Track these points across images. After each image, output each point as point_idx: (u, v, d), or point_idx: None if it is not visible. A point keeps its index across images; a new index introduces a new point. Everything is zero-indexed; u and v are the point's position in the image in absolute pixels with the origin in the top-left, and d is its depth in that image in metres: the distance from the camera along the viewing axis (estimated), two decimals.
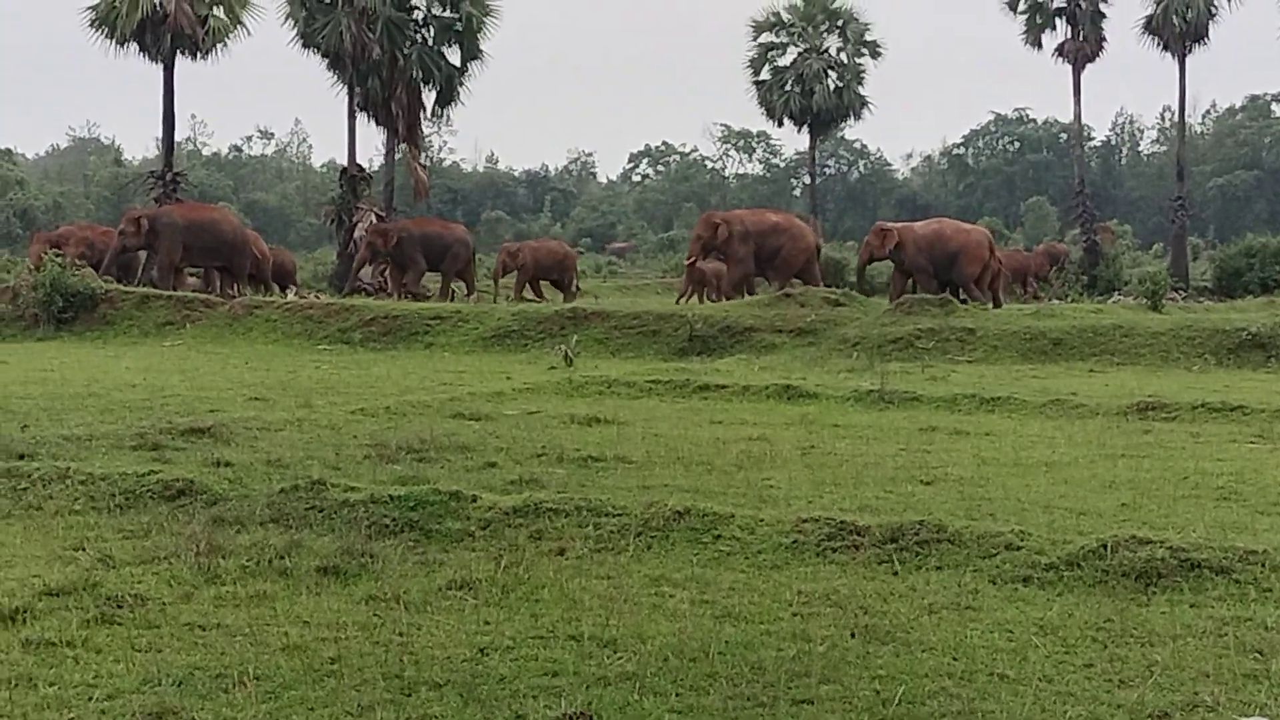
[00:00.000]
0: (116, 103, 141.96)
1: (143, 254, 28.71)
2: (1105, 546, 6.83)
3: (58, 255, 23.94)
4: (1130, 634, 5.86)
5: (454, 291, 30.38)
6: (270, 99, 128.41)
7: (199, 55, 32.98)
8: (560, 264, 33.02)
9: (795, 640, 5.80)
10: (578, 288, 32.98)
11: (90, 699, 5.04)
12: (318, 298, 27.14)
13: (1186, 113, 47.03)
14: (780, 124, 49.49)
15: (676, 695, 5.14)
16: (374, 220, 33.62)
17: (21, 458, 9.44)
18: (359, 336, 21.33)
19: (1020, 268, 39.86)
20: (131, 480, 8.52)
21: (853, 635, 5.85)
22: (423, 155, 37.79)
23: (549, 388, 14.97)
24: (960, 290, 26.32)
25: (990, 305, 25.12)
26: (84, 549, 7.30)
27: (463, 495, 8.01)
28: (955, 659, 5.57)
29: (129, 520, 7.96)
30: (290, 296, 27.76)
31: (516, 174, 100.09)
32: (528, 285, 32.34)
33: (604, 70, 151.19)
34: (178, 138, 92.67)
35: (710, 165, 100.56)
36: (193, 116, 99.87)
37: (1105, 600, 6.38)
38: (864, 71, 48.50)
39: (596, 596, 6.49)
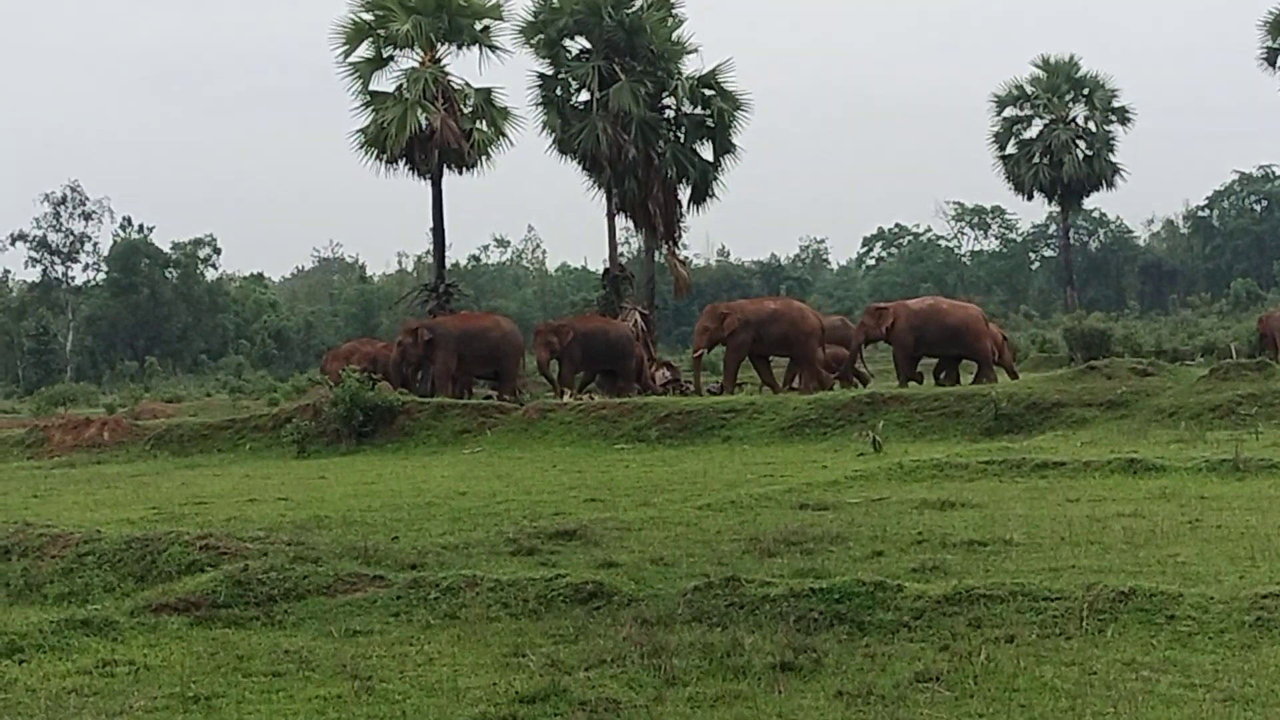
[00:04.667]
0: (358, 222, 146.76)
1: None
2: None
3: (355, 371, 24.49)
4: None
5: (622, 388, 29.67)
6: (503, 208, 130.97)
7: (464, 169, 33.77)
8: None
9: None
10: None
11: None
12: (591, 398, 27.30)
13: None
14: (1030, 197, 48.84)
15: None
16: (639, 320, 33.85)
17: (414, 568, 9.55)
18: (655, 434, 21.33)
19: None
20: (541, 585, 8.55)
21: None
22: (681, 251, 37.87)
23: (880, 475, 14.72)
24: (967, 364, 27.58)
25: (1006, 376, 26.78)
26: (524, 654, 7.31)
27: (888, 585, 7.87)
28: None
29: (549, 624, 7.98)
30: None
31: (749, 265, 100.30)
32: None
33: (831, 156, 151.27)
34: (417, 251, 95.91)
35: (945, 244, 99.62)
36: (430, 230, 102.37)
37: None
38: (1114, 139, 47.58)
39: (1074, 684, 6.28)
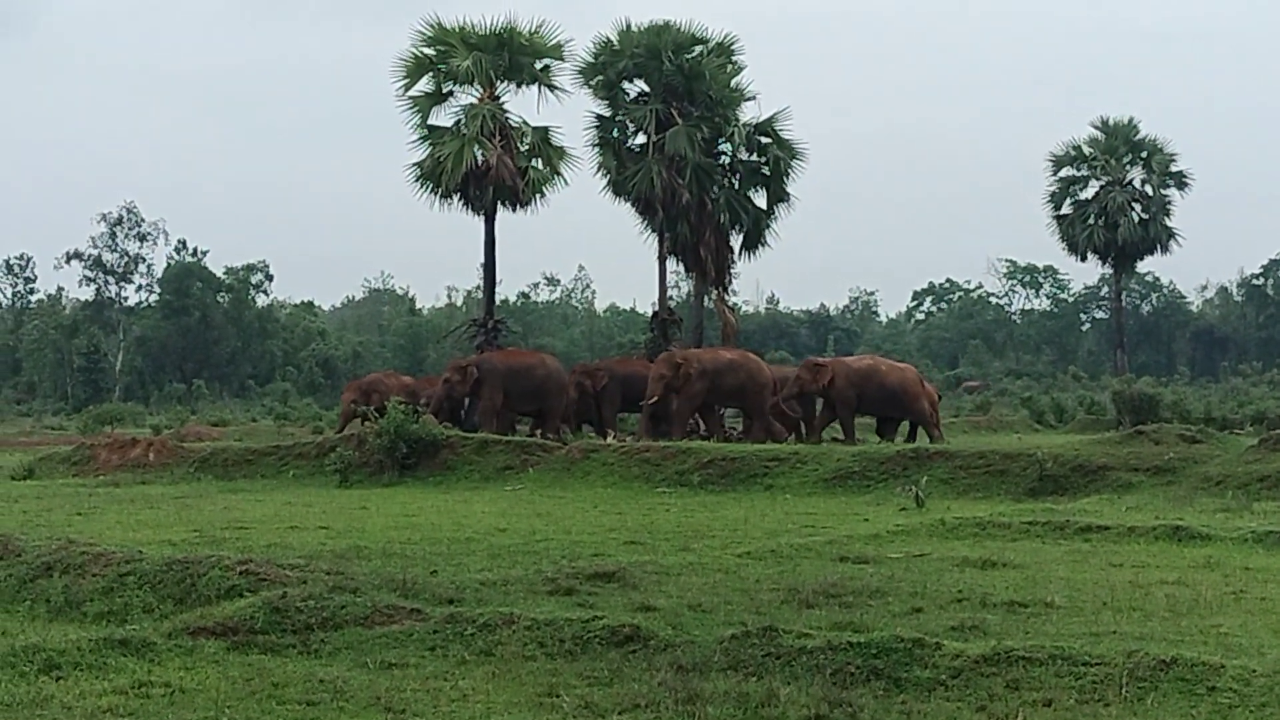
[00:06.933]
0: (409, 254, 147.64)
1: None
2: None
3: (400, 403, 24.57)
4: None
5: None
6: (555, 247, 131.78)
7: (518, 206, 33.92)
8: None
9: None
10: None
11: None
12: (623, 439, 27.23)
13: None
14: (1083, 258, 48.65)
15: None
16: None
17: (452, 602, 9.55)
18: (697, 479, 21.28)
19: None
20: (578, 626, 8.53)
21: None
22: (731, 298, 37.90)
23: (922, 531, 14.66)
24: (905, 425, 28.10)
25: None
26: (558, 695, 7.29)
27: (926, 642, 7.80)
28: None
29: (584, 666, 7.96)
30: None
31: (798, 314, 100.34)
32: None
33: (885, 208, 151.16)
34: (467, 285, 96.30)
35: (995, 301, 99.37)
36: (481, 266, 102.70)
37: None
38: (1170, 203, 47.40)
39: None
